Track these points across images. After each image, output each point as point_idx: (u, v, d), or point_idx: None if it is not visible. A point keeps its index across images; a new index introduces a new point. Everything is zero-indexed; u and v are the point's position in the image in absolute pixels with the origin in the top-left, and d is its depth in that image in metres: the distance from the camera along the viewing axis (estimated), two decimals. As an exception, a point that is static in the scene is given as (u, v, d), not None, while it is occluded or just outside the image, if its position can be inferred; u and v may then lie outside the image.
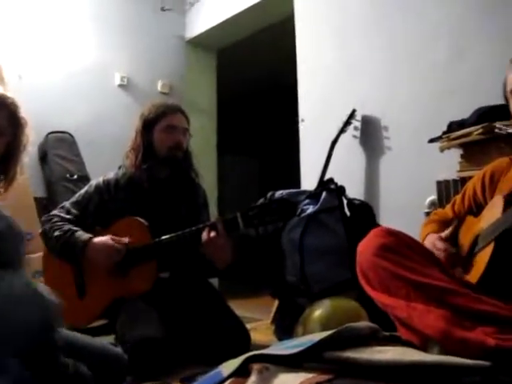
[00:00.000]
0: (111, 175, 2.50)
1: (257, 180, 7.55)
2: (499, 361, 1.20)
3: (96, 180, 2.50)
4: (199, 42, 4.97)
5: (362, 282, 1.58)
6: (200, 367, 2.03)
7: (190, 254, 2.31)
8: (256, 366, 1.26)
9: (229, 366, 1.36)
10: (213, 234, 2.12)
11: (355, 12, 3.39)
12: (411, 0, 3.06)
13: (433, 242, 1.84)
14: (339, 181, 2.88)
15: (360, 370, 1.22)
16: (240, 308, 4.05)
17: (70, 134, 4.10)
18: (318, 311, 2.09)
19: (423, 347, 1.39)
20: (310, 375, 1.23)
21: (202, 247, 2.16)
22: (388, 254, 1.51)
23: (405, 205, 2.94)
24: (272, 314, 2.99)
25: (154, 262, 2.25)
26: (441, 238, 1.84)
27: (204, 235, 2.13)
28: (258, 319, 3.44)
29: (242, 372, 1.30)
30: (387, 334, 1.44)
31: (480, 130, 2.26)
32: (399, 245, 1.53)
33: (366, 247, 1.58)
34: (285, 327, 2.50)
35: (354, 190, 3.16)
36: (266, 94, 6.55)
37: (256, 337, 2.87)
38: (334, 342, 1.33)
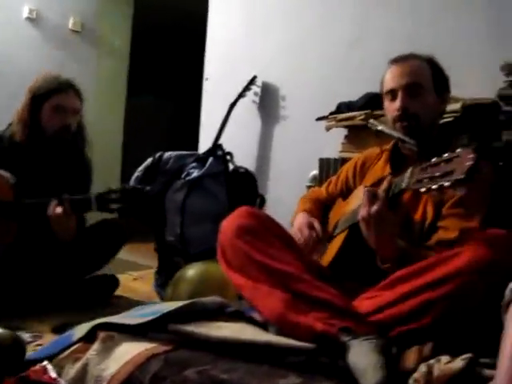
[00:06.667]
0: None
1: (169, 123, 7.45)
2: (324, 344, 1.33)
3: None
4: (116, -21, 4.76)
5: (220, 259, 1.66)
6: (72, 315, 2.12)
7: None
8: (102, 335, 1.34)
9: (81, 330, 1.44)
10: (58, 210, 2.15)
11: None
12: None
13: (301, 223, 1.97)
14: (236, 144, 2.96)
15: (198, 343, 1.33)
16: (135, 252, 4.14)
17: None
18: (189, 274, 2.18)
19: (266, 325, 1.51)
20: (153, 345, 1.32)
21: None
22: (246, 236, 1.59)
23: (291, 175, 3.05)
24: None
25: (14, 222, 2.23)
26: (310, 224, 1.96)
27: (50, 208, 2.15)
28: (148, 266, 3.51)
29: (91, 338, 1.38)
30: (233, 309, 1.55)
31: (362, 116, 2.37)
32: (258, 227, 1.62)
33: (227, 226, 1.66)
34: (161, 284, 2.60)
35: (249, 155, 3.27)
36: (182, 36, 6.40)
37: (139, 286, 2.97)
38: (180, 315, 1.43)
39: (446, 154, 1.32)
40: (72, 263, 2.39)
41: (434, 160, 1.35)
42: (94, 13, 4.64)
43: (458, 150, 1.30)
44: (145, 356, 1.24)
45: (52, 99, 2.36)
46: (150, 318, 1.40)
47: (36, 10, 4.31)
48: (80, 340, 1.37)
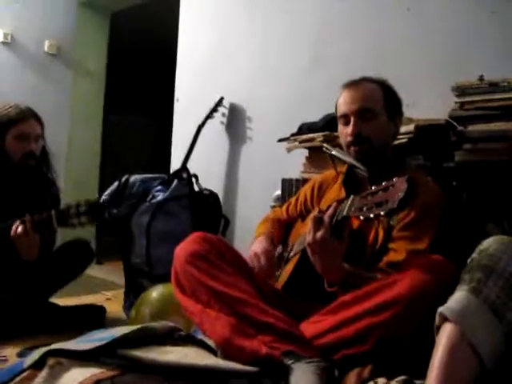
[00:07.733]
0: None
1: (152, 141, 7.47)
2: (268, 367, 1.38)
3: None
4: (92, 3, 4.82)
5: (174, 285, 1.69)
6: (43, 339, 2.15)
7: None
8: (50, 361, 1.37)
9: (33, 356, 1.46)
10: (19, 229, 2.19)
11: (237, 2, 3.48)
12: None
13: (257, 250, 1.99)
14: (205, 165, 3.00)
15: (146, 368, 1.37)
16: (112, 271, 4.13)
17: None
18: (152, 296, 2.21)
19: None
20: (101, 370, 1.35)
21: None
22: (198, 262, 1.62)
23: (257, 195, 3.10)
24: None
25: None
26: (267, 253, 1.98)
27: (12, 229, 2.20)
28: (123, 286, 3.53)
29: (41, 364, 1.41)
30: (183, 333, 1.59)
31: (321, 138, 2.41)
32: (211, 252, 1.65)
33: (181, 252, 1.68)
34: (129, 305, 2.63)
35: (217, 175, 3.33)
36: (159, 60, 6.48)
37: (111, 306, 2.98)
38: (130, 340, 1.46)
39: (384, 183, 1.36)
40: (37, 280, 2.45)
41: (373, 188, 1.39)
42: (70, 35, 4.68)
43: (394, 180, 1.34)
44: (91, 381, 1.27)
45: (14, 128, 2.40)
46: (101, 343, 1.43)
47: (11, 34, 4.35)
48: (30, 367, 1.40)
